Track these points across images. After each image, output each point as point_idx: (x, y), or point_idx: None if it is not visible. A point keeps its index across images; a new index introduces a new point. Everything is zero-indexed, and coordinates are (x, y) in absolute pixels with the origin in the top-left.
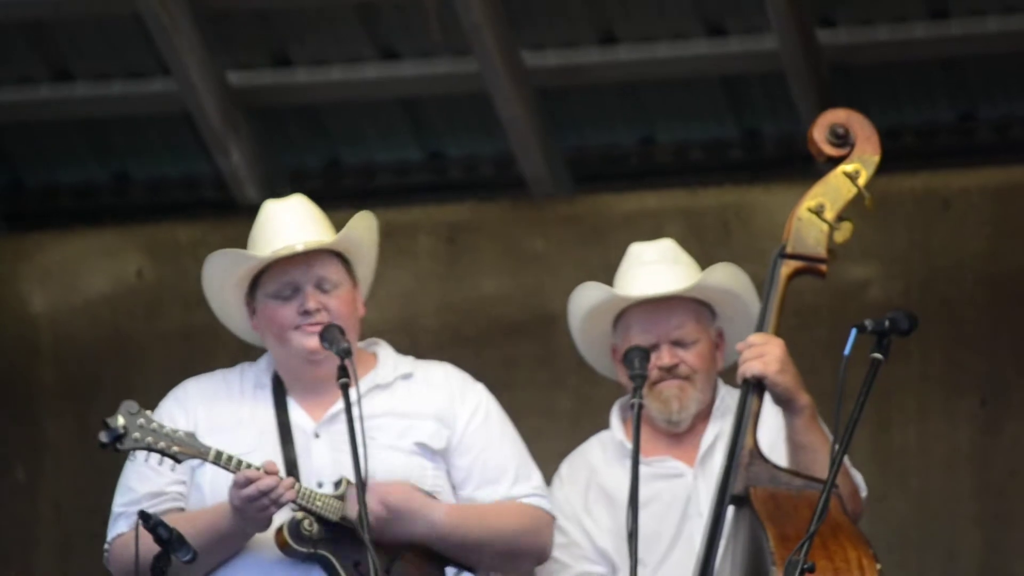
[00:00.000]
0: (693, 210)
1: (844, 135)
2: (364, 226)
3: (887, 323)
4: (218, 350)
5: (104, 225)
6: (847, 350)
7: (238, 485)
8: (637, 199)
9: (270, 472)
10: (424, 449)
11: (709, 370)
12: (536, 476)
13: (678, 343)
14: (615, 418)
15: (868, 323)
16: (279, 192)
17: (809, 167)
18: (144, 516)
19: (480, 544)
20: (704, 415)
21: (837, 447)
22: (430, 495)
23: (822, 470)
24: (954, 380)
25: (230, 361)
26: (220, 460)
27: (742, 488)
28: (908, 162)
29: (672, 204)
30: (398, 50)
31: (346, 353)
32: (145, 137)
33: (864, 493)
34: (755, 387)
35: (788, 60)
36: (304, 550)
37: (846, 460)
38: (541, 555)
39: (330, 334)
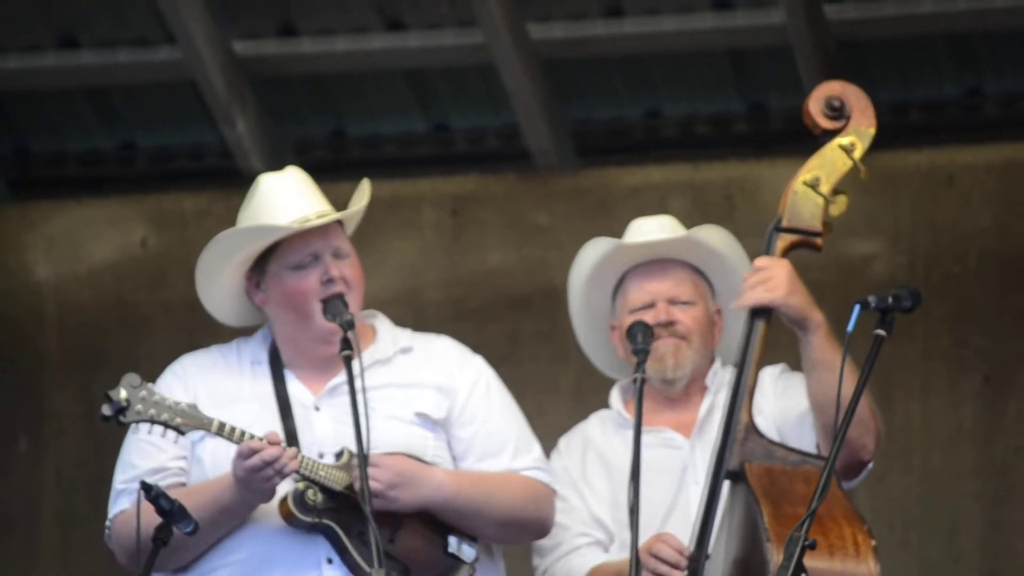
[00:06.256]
0: (698, 184)
1: (840, 107)
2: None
3: (891, 299)
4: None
5: (109, 194)
6: (850, 326)
7: (242, 456)
8: (642, 173)
9: (273, 442)
10: (425, 419)
11: (705, 335)
12: (536, 448)
13: (674, 301)
14: (615, 398)
15: (872, 299)
16: (284, 162)
17: (815, 142)
18: (146, 487)
19: (481, 511)
20: (700, 385)
21: (840, 424)
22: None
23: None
24: (958, 357)
25: (234, 332)
26: (223, 431)
27: (737, 464)
28: (913, 138)
29: (677, 178)
30: (404, 21)
31: (349, 325)
32: (151, 106)
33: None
34: (763, 314)
35: (794, 34)
36: (308, 520)
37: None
38: (542, 528)
39: (333, 306)
